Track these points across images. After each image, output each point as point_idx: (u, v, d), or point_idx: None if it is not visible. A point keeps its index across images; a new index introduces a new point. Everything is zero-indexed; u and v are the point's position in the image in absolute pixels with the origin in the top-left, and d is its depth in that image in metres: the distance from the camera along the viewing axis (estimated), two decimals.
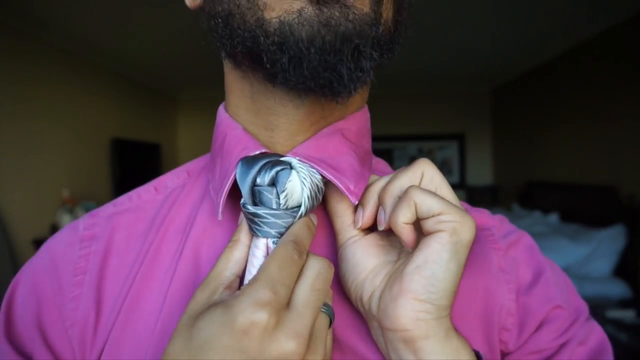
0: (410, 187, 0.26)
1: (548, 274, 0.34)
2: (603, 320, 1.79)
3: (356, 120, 0.32)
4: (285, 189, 0.26)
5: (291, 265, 0.24)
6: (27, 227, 2.42)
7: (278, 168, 0.26)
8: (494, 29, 2.66)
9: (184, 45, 2.88)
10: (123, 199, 0.36)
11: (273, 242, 0.27)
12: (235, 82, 0.31)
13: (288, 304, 0.23)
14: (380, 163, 0.39)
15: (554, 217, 2.83)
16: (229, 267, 0.26)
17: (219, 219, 0.29)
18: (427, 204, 0.25)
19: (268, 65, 0.25)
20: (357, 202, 0.28)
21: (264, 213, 0.26)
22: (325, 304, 0.25)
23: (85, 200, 2.90)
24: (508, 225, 0.37)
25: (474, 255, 0.33)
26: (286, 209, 0.27)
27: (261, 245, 0.27)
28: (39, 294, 0.31)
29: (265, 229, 0.26)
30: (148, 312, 0.29)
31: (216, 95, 4.51)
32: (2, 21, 2.27)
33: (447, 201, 0.26)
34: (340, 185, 0.27)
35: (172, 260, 0.31)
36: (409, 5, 0.29)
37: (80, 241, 0.33)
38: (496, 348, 0.31)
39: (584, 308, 0.35)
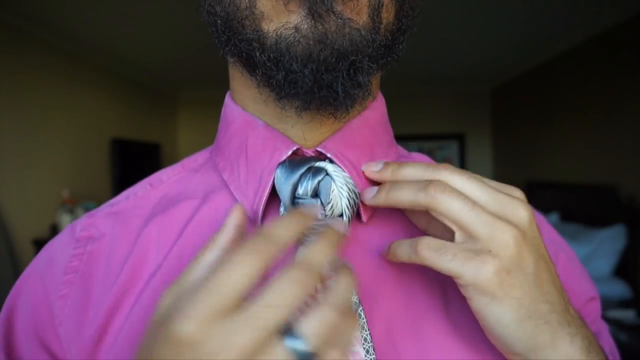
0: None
1: (574, 260, 0.33)
2: (603, 321, 1.79)
3: (379, 109, 0.32)
4: (331, 200, 0.27)
5: (241, 267, 0.19)
6: (27, 227, 2.41)
7: (319, 177, 0.27)
8: (494, 28, 2.66)
9: (184, 45, 2.87)
10: (120, 198, 0.35)
11: None
12: (237, 72, 0.30)
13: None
14: (419, 157, 0.38)
15: (554, 217, 2.83)
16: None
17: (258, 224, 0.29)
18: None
19: (264, 79, 0.25)
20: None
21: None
22: (292, 334, 0.18)
23: (85, 200, 2.90)
24: None
25: None
26: (333, 218, 0.27)
27: None
28: (33, 296, 0.31)
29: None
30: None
31: (216, 95, 4.46)
32: (1, 20, 2.27)
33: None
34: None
35: (159, 258, 0.30)
36: (415, 7, 0.28)
37: (75, 241, 0.32)
38: None
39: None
